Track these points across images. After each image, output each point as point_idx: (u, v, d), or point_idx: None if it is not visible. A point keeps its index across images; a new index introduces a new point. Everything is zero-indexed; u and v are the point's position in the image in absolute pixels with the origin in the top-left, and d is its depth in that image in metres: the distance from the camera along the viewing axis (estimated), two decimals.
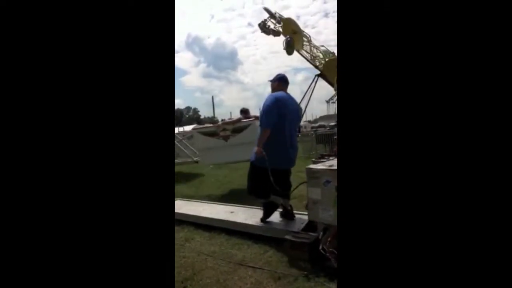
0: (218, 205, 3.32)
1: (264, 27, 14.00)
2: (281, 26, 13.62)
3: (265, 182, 2.35)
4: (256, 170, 2.45)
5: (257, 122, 3.53)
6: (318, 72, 13.95)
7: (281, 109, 2.33)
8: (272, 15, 13.97)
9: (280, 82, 2.54)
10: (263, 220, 2.48)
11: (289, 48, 13.39)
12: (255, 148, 2.38)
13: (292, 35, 13.23)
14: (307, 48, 13.61)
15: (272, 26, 13.99)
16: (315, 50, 13.58)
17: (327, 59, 13.25)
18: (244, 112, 4.20)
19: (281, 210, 2.56)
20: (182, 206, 3.23)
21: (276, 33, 13.84)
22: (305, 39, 13.57)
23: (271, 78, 2.59)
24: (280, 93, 2.43)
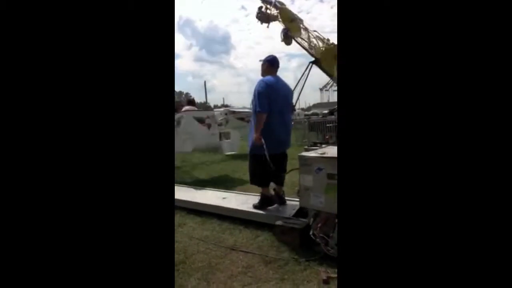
0: (210, 190, 3.34)
1: (261, 16, 13.35)
2: (278, 13, 13.10)
3: (263, 170, 2.37)
4: (254, 158, 2.46)
5: (189, 115, 4.24)
6: (313, 59, 13.71)
7: (271, 95, 2.34)
8: (267, 1, 13.40)
9: (269, 64, 2.51)
10: (256, 206, 2.51)
11: (287, 39, 12.92)
12: (252, 137, 2.39)
13: (289, 24, 12.79)
14: (305, 36, 13.21)
15: (269, 12, 13.42)
16: (313, 39, 13.19)
17: (323, 48, 12.94)
18: (190, 102, 5.02)
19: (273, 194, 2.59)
20: (175, 192, 3.23)
21: (273, 19, 13.31)
22: (302, 26, 13.16)
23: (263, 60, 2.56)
24: (269, 78, 2.42)
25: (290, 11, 13.06)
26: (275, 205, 2.52)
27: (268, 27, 13.60)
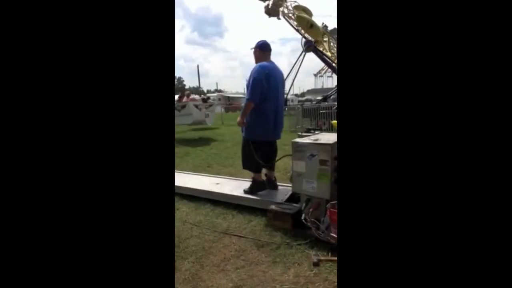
0: (203, 176, 3.35)
1: (270, 11, 11.86)
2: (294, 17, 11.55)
3: (258, 156, 2.39)
4: (247, 144, 2.47)
5: (191, 104, 5.63)
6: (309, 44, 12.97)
7: (268, 81, 2.31)
8: None
9: (260, 49, 2.46)
10: (247, 192, 2.53)
11: (308, 50, 11.71)
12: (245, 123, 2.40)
13: (308, 31, 11.42)
14: (325, 44, 11.82)
15: (282, 9, 11.87)
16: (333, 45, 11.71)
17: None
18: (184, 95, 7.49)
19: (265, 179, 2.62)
20: None
21: (284, 14, 11.95)
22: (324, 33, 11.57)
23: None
24: (265, 63, 2.38)
25: (308, 19, 10.78)
26: (267, 190, 2.56)
27: (279, 18, 12.17)
